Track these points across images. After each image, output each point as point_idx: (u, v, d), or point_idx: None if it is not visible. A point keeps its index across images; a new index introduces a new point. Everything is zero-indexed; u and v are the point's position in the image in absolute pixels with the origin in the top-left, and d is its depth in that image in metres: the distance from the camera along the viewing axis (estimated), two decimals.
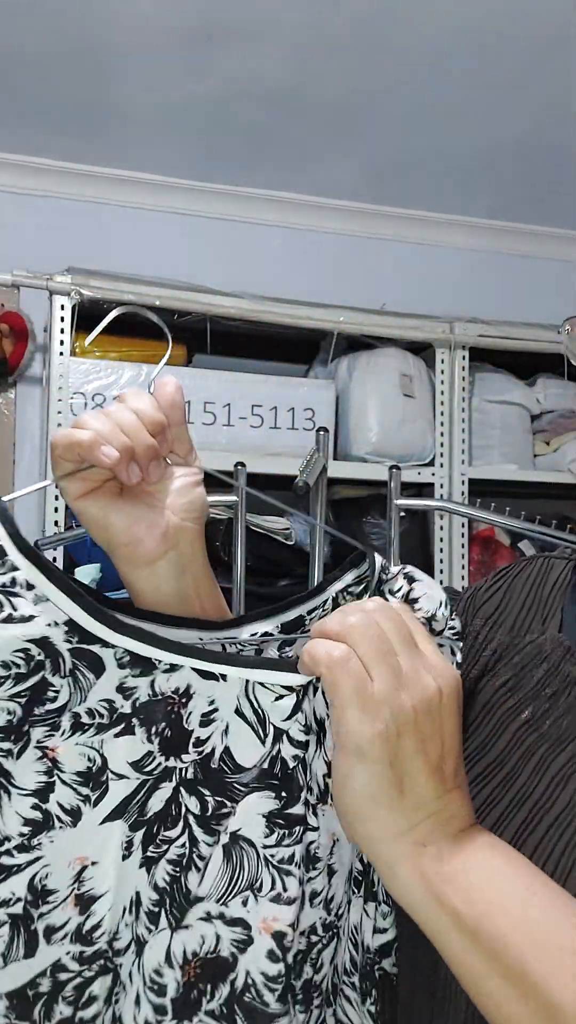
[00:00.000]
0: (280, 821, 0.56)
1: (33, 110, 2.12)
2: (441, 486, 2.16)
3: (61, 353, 1.94)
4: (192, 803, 0.57)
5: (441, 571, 2.13)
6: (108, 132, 2.19)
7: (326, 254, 2.54)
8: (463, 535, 2.15)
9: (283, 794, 0.56)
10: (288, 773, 0.56)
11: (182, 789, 0.57)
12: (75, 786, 0.56)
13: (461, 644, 0.65)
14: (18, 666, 0.55)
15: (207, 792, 0.57)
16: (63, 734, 0.55)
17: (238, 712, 0.57)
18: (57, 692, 0.55)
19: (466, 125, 2.13)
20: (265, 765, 0.56)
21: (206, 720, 0.57)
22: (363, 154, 2.29)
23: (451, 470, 2.18)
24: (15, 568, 0.55)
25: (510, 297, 2.60)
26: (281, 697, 0.56)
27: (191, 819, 0.57)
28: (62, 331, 1.93)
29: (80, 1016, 0.56)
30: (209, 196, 2.45)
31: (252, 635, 0.62)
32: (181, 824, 0.57)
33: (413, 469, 2.14)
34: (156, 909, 0.56)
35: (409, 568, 0.64)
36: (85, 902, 0.56)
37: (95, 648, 0.55)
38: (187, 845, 0.57)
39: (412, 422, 2.16)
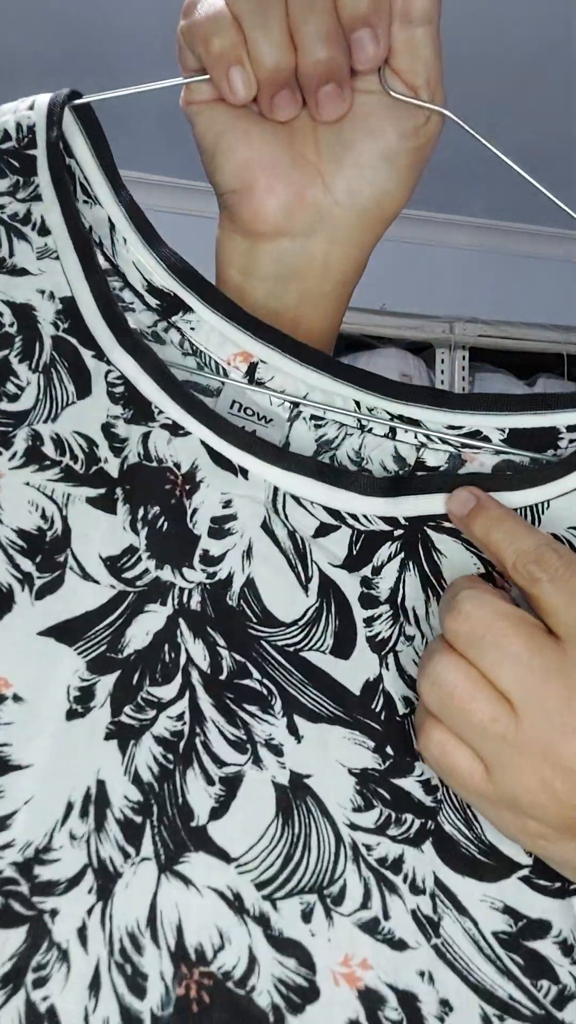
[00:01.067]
0: (383, 793, 0.33)
1: None
2: None
3: None
4: (197, 651, 0.34)
5: None
6: (109, 132, 2.19)
7: None
8: None
9: (387, 750, 0.34)
10: (397, 720, 0.34)
11: (183, 623, 0.35)
12: (11, 551, 0.34)
13: None
14: None
15: (220, 640, 0.34)
16: (13, 458, 0.36)
17: (266, 528, 0.36)
18: (20, 389, 0.36)
19: (466, 125, 2.13)
20: (357, 690, 0.34)
21: (219, 529, 0.36)
22: None
23: None
24: (38, 197, 0.38)
25: (510, 297, 2.60)
26: (326, 531, 0.35)
27: (194, 676, 0.34)
28: None
29: None
30: (209, 196, 2.44)
31: (451, 429, 0.37)
32: (178, 681, 0.34)
33: None
34: (139, 819, 0.32)
35: None
36: None
37: (86, 355, 0.37)
38: (187, 720, 0.33)
39: None
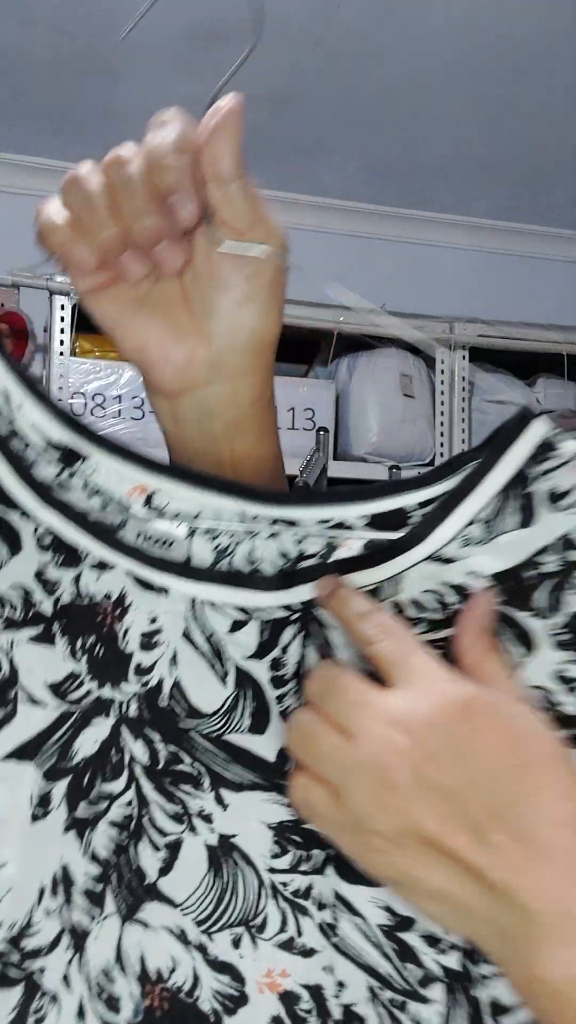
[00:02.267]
0: (296, 839, 0.41)
1: (33, 110, 2.12)
2: None
3: (61, 353, 1.94)
4: (138, 749, 0.42)
5: None
6: (108, 133, 2.19)
7: (326, 254, 2.54)
8: None
9: None
10: None
11: (124, 729, 0.42)
12: None
13: None
14: None
15: (156, 737, 0.42)
16: None
17: (187, 637, 0.42)
18: None
19: (466, 126, 2.13)
20: (273, 758, 0.41)
21: (148, 642, 0.43)
22: (363, 154, 2.29)
23: None
24: None
25: (510, 297, 2.60)
26: (239, 625, 0.42)
27: (137, 770, 0.42)
28: (62, 331, 1.93)
29: None
30: None
31: (322, 522, 0.42)
32: (125, 776, 0.42)
33: (413, 469, 2.14)
34: (99, 887, 0.41)
35: None
36: None
37: (13, 517, 0.43)
38: (135, 805, 0.42)
39: (412, 422, 2.16)
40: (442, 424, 2.19)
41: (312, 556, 0.42)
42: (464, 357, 2.22)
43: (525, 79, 1.96)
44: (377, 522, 0.42)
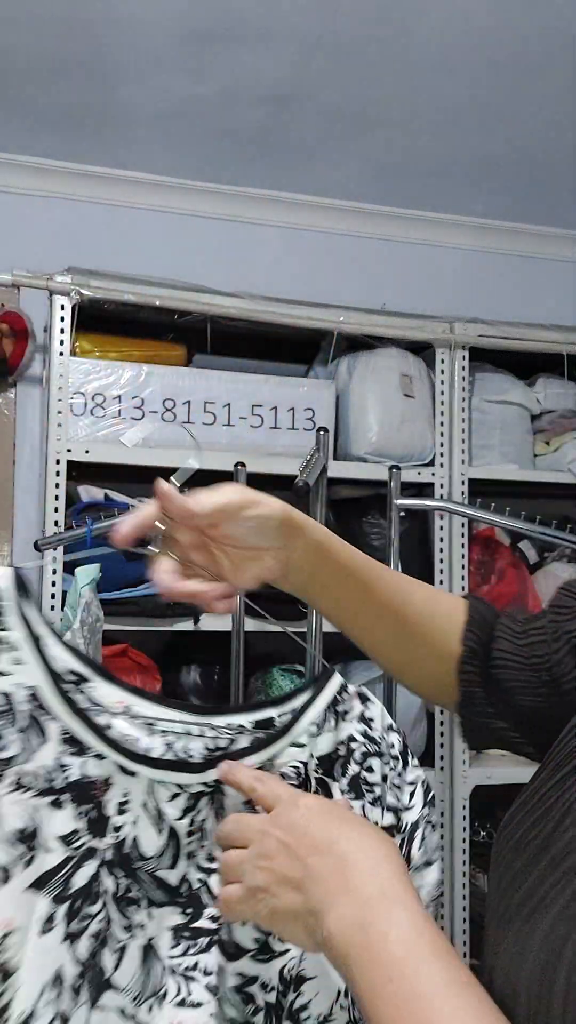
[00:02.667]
0: (186, 933, 0.65)
1: (34, 111, 2.12)
2: (441, 486, 2.16)
3: (61, 353, 1.93)
4: (109, 883, 0.64)
5: (441, 571, 2.13)
6: (109, 133, 2.19)
7: (326, 254, 2.54)
8: (463, 535, 2.14)
9: (188, 910, 0.66)
10: (194, 892, 0.66)
11: (103, 869, 0.64)
12: (10, 844, 0.62)
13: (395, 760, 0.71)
14: None
15: (120, 874, 0.65)
16: (8, 787, 0.63)
17: (144, 806, 0.65)
18: (5, 746, 0.63)
19: (466, 126, 2.13)
20: (176, 882, 0.66)
21: (121, 809, 0.65)
22: (363, 154, 2.29)
23: (451, 470, 2.17)
24: (6, 628, 0.66)
25: (510, 297, 2.60)
26: (175, 796, 0.66)
27: (107, 897, 0.64)
28: (62, 331, 1.93)
29: None
30: (209, 196, 2.45)
31: (228, 725, 0.71)
32: (100, 902, 0.64)
33: (413, 469, 2.14)
34: (79, 982, 0.62)
35: (363, 689, 0.73)
36: (3, 973, 0.61)
37: (44, 719, 0.65)
38: (104, 922, 0.64)
39: (412, 422, 2.16)
40: (442, 424, 2.19)
41: (222, 748, 0.69)
42: (464, 357, 2.22)
43: (525, 79, 1.96)
44: (259, 725, 0.71)
